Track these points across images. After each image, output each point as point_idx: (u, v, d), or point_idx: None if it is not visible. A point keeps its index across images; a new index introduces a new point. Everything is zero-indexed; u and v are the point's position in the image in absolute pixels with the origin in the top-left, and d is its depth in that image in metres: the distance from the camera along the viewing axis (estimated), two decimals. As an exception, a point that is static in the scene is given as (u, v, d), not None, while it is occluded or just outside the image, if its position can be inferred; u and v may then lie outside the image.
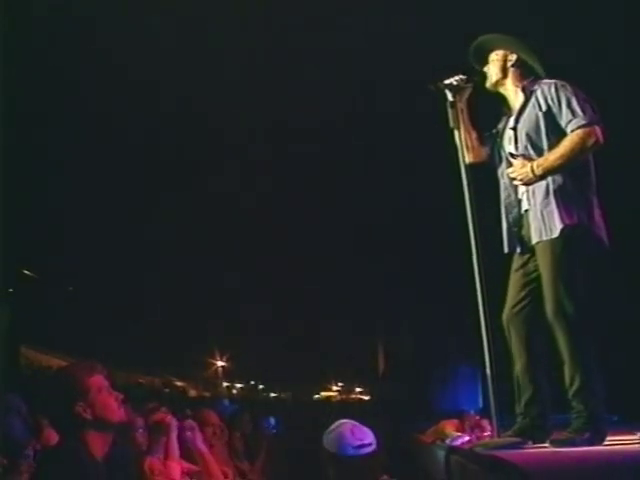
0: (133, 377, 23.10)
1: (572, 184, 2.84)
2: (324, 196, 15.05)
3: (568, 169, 2.83)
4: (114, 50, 10.83)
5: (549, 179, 2.84)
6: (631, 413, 4.80)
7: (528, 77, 3.06)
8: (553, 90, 2.90)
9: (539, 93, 2.94)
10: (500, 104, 3.17)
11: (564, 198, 2.82)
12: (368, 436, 3.27)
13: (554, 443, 2.68)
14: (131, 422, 3.31)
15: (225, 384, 35.25)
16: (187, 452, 3.69)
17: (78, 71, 11.44)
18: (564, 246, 2.77)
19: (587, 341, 2.75)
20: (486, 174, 3.16)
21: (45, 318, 19.31)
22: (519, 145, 2.97)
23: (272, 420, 6.24)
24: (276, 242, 18.51)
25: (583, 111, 2.82)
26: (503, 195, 3.07)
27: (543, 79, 3.01)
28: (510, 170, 2.98)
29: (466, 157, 3.17)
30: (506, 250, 3.03)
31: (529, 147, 2.92)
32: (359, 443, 3.20)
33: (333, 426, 3.31)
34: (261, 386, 39.50)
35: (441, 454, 3.06)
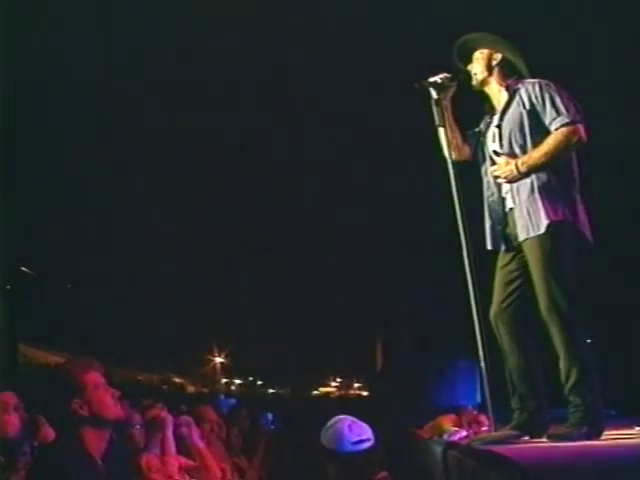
0: (131, 374, 23.11)
1: (556, 181, 2.86)
2: (324, 195, 15.07)
3: (552, 167, 2.85)
4: (114, 50, 10.84)
5: (533, 177, 2.86)
6: (629, 407, 4.80)
7: (512, 76, 3.07)
8: (537, 89, 2.92)
9: (523, 92, 2.96)
10: (482, 103, 3.19)
11: (549, 195, 2.83)
12: (366, 432, 3.27)
13: (552, 438, 2.68)
14: (128, 419, 3.31)
15: (224, 380, 35.30)
16: (184, 448, 3.69)
17: (77, 70, 11.41)
18: (552, 242, 2.78)
19: (582, 335, 2.76)
20: (468, 172, 3.16)
21: (43, 315, 19.31)
22: (503, 143, 2.98)
23: (270, 416, 6.24)
24: (275, 240, 18.55)
25: (567, 109, 2.85)
26: (486, 193, 3.08)
27: (527, 78, 3.03)
28: (494, 168, 2.99)
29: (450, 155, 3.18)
30: (489, 247, 3.05)
31: (514, 145, 2.94)
32: (357, 439, 3.20)
33: (331, 422, 3.31)
34: (259, 382, 39.56)
35: (439, 449, 3.05)
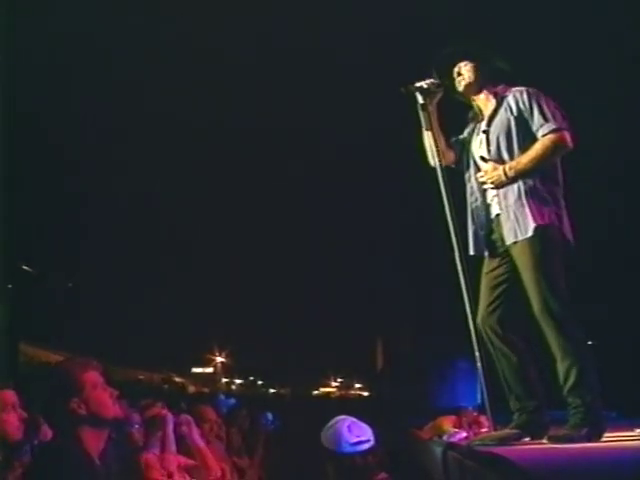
0: (132, 373, 23.12)
1: (542, 186, 2.90)
2: (324, 195, 15.08)
3: (538, 172, 2.90)
4: (113, 49, 10.84)
5: (520, 181, 2.89)
6: (630, 409, 4.79)
7: (499, 84, 3.10)
8: (525, 96, 2.97)
9: (511, 98, 3.00)
10: (466, 110, 3.23)
11: (535, 199, 2.87)
12: (366, 433, 3.27)
13: (552, 439, 2.68)
14: (127, 418, 3.30)
15: (224, 380, 35.33)
16: (184, 447, 3.68)
17: (76, 69, 11.42)
18: (541, 245, 2.81)
19: (577, 335, 2.76)
20: (451, 178, 3.18)
21: (44, 314, 19.31)
22: (491, 149, 3.01)
23: (269, 415, 6.24)
24: (275, 239, 18.56)
25: (554, 116, 2.90)
26: (470, 199, 3.11)
27: (514, 86, 3.07)
28: (481, 174, 3.02)
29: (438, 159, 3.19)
30: (471, 253, 3.07)
31: (501, 150, 2.97)
32: (356, 440, 3.20)
33: (331, 423, 3.31)
34: (260, 382, 39.60)
35: (439, 450, 3.05)
